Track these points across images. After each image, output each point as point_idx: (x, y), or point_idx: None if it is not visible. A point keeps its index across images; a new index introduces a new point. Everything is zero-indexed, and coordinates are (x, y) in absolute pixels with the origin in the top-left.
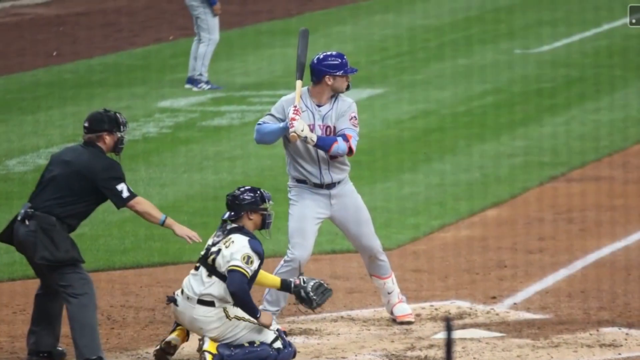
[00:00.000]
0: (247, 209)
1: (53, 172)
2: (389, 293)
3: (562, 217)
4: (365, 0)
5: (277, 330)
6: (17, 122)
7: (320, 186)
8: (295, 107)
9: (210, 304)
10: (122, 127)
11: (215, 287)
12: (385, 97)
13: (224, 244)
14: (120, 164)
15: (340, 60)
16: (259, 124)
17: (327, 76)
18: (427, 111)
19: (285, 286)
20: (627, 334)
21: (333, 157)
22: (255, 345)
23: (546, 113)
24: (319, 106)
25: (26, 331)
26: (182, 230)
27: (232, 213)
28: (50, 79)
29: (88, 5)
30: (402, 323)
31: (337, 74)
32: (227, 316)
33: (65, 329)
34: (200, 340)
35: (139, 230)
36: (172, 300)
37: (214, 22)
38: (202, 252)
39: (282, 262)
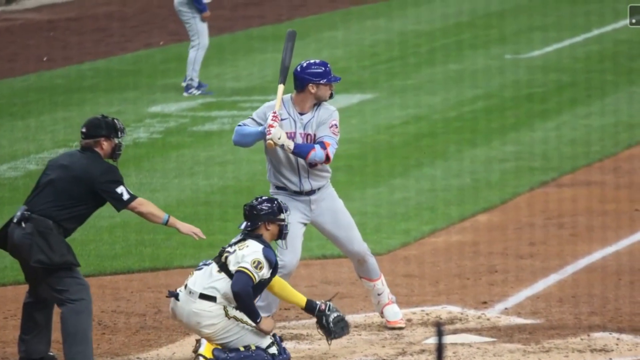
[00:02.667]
0: (264, 219)
1: (50, 176)
2: (379, 294)
3: (553, 222)
4: (357, 6)
5: (274, 335)
6: (8, 128)
7: (299, 193)
8: (274, 113)
9: (212, 299)
10: (119, 132)
11: (222, 283)
12: (376, 102)
13: (239, 247)
14: (118, 168)
15: (323, 68)
16: (239, 125)
17: (311, 84)
18: (418, 116)
19: (310, 307)
20: (618, 339)
21: (312, 165)
22: (250, 349)
23: (537, 118)
24: (302, 114)
25: (17, 337)
26: (186, 227)
27: (249, 223)
28: (41, 84)
29: (79, 10)
30: (392, 328)
31: (321, 82)
32: (226, 314)
33: (56, 334)
34: (196, 344)
35: (129, 235)
36: (173, 294)
37: (202, 27)
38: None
39: None
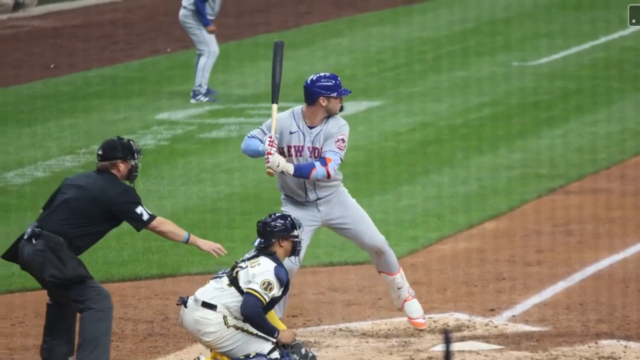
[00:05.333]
0: (278, 236)
1: (66, 195)
2: (398, 288)
3: (560, 229)
4: (362, 13)
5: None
6: (15, 135)
7: (306, 202)
8: (271, 138)
9: (213, 307)
10: (135, 154)
11: (229, 297)
12: (383, 109)
13: (251, 263)
14: (135, 189)
15: (334, 81)
16: (249, 136)
17: (322, 97)
18: (425, 123)
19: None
20: (625, 346)
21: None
22: (251, 356)
23: (543, 125)
24: (311, 128)
25: (25, 344)
26: (206, 245)
27: (263, 240)
28: (47, 91)
29: (85, 17)
30: (417, 330)
31: (332, 95)
32: (225, 323)
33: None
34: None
35: (137, 242)
36: (183, 301)
37: (210, 37)
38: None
39: None
